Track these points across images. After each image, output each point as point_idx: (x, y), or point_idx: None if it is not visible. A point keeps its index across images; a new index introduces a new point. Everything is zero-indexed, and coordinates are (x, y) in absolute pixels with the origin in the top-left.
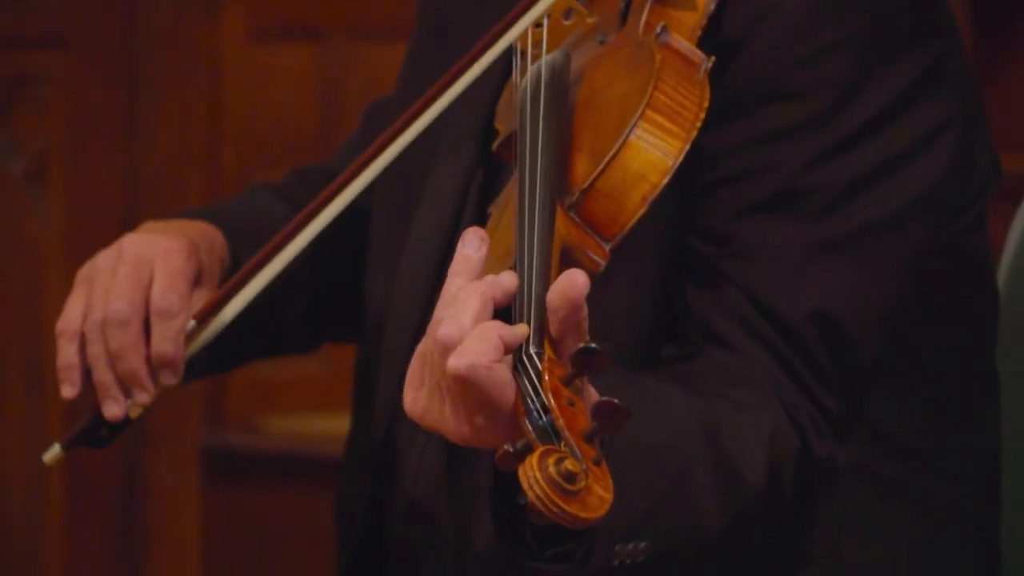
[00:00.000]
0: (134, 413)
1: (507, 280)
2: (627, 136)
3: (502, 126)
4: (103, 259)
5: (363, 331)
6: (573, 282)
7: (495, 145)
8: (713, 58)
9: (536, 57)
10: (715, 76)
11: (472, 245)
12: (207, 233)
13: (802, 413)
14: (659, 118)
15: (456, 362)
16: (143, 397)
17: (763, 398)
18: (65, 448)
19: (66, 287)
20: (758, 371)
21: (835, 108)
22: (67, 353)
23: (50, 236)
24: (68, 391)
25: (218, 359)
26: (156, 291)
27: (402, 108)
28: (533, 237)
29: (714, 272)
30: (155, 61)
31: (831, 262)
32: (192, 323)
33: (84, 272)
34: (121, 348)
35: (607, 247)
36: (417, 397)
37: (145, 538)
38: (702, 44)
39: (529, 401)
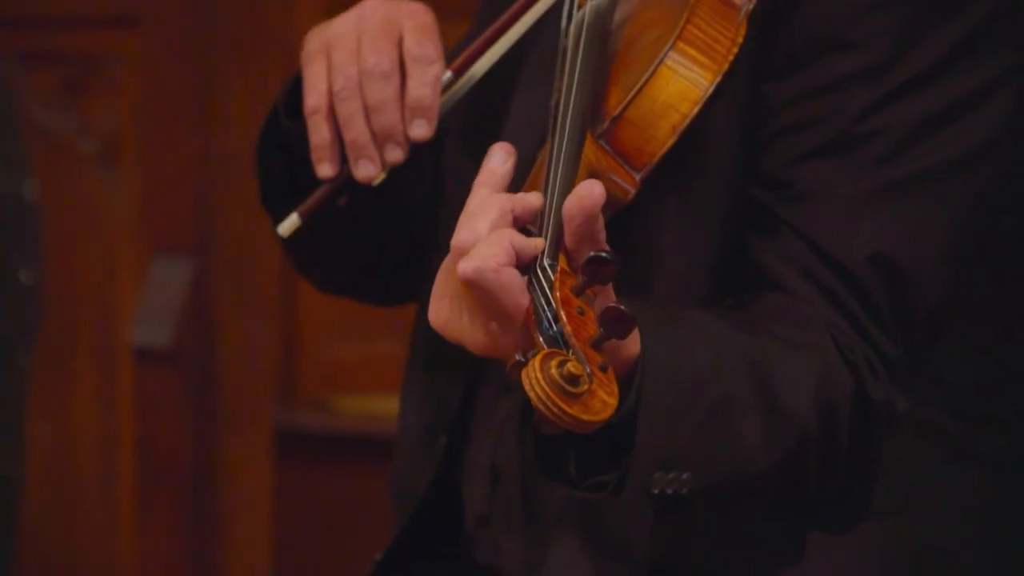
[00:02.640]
0: (379, 178)
1: (531, 197)
2: (657, 65)
3: None
4: (340, 25)
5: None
6: (590, 191)
7: None
8: (755, 1)
9: (583, 2)
10: (773, 27)
11: (498, 159)
12: None
13: (858, 355)
14: (690, 50)
15: (464, 265)
16: (397, 154)
17: (814, 338)
18: (303, 217)
19: (138, 268)
20: (812, 313)
21: (892, 57)
22: (323, 130)
23: (122, 217)
24: (327, 169)
25: (332, 231)
26: (410, 41)
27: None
28: (559, 160)
29: (772, 218)
30: (229, 40)
31: (889, 207)
32: (448, 74)
33: (315, 44)
34: (382, 101)
35: (637, 176)
36: (440, 307)
37: (217, 518)
38: None
39: (540, 311)
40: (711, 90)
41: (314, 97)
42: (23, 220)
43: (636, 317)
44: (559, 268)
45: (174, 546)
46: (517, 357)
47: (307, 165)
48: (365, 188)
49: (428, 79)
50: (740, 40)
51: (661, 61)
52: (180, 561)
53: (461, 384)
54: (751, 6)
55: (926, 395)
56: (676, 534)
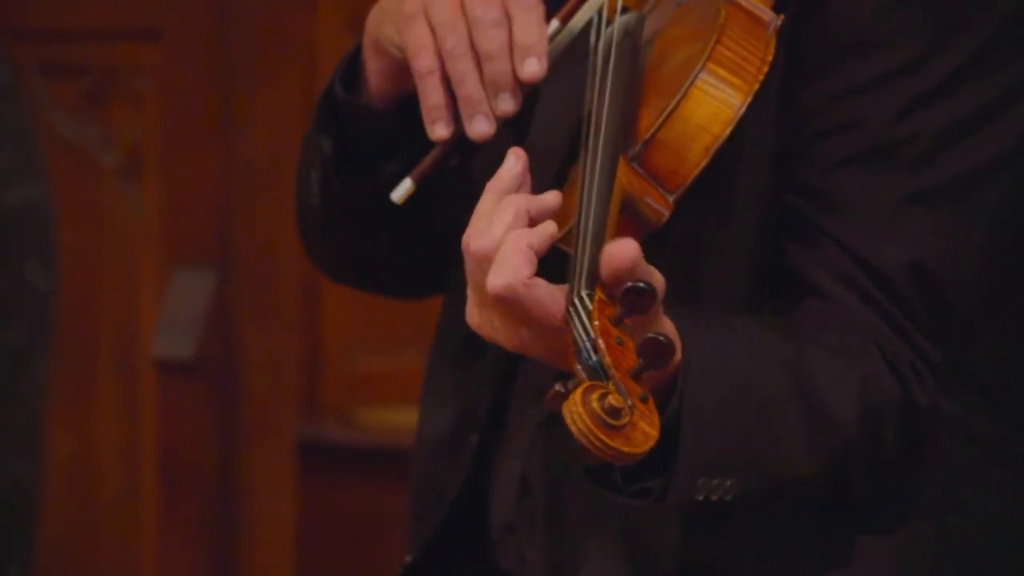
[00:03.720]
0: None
1: (547, 198)
2: (688, 87)
3: None
4: None
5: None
6: (621, 251)
7: None
8: (782, 16)
9: (612, 20)
10: (801, 31)
11: (508, 162)
12: None
13: (903, 362)
14: (721, 71)
15: (493, 283)
16: (509, 104)
17: (859, 345)
18: (416, 181)
19: (160, 280)
20: (855, 320)
21: (922, 57)
22: (438, 91)
23: (144, 229)
24: (443, 130)
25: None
26: None
27: None
28: (593, 184)
29: (811, 227)
30: (251, 53)
31: (926, 212)
32: (555, 23)
33: (409, 7)
34: (498, 47)
35: (670, 198)
36: (473, 311)
37: (240, 531)
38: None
39: (579, 341)
40: (743, 110)
41: (425, 59)
42: (38, 227)
43: (675, 345)
44: (596, 298)
45: (197, 559)
46: (557, 388)
47: (361, 142)
48: (475, 147)
49: (534, 20)
50: (769, 59)
51: (692, 83)
52: (203, 574)
53: (491, 387)
54: (779, 22)
55: (965, 399)
56: (708, 544)
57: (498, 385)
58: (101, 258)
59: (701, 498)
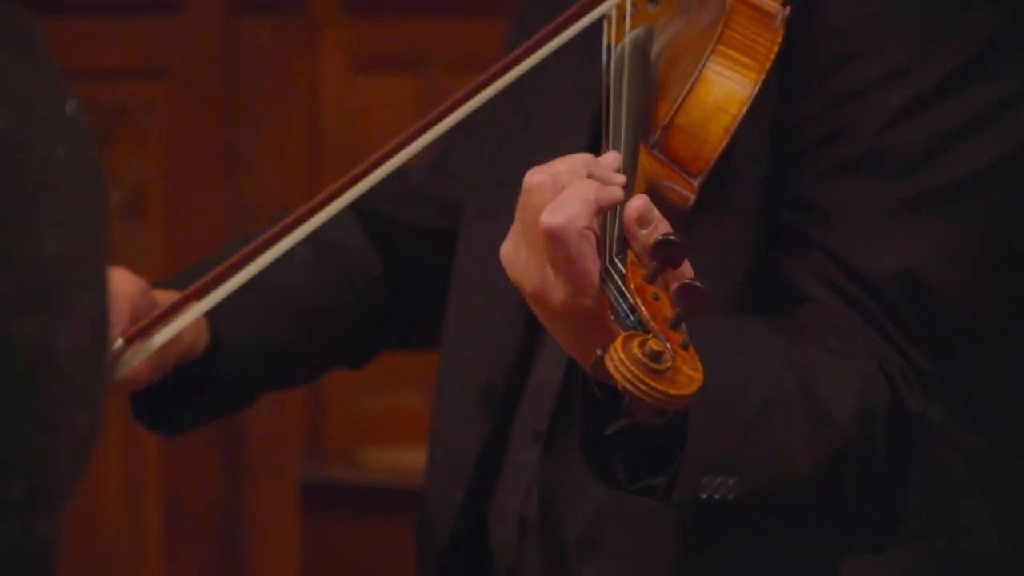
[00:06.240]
0: None
1: (609, 158)
2: (701, 70)
3: None
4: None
5: (466, 314)
6: (632, 203)
7: None
8: (789, 7)
9: (620, 39)
10: (794, 39)
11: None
12: None
13: (893, 366)
14: (732, 52)
15: (549, 218)
16: None
17: (853, 346)
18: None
19: None
20: (848, 324)
21: (912, 65)
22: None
23: (147, 268)
24: None
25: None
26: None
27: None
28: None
29: (800, 238)
30: (255, 92)
31: (914, 221)
32: (120, 341)
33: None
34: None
35: (695, 182)
36: (509, 242)
37: (244, 570)
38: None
39: (617, 304)
40: (757, 89)
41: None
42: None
43: (706, 290)
44: (629, 260)
45: None
46: (597, 352)
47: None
48: None
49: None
50: (779, 40)
51: (704, 65)
52: None
53: (488, 427)
54: (786, 12)
55: (953, 410)
56: (706, 563)
57: (496, 429)
58: None
59: (705, 496)
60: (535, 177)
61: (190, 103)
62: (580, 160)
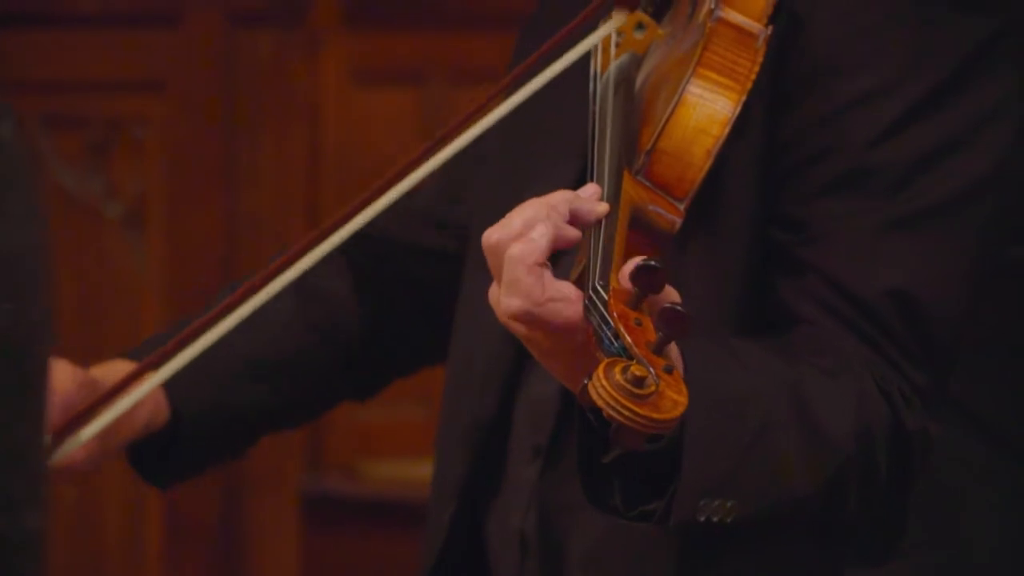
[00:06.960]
0: None
1: (588, 189)
2: (681, 94)
3: None
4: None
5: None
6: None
7: None
8: (771, 27)
9: (606, 68)
10: (781, 57)
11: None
12: None
13: (891, 385)
14: (711, 74)
15: (508, 306)
16: None
17: (849, 366)
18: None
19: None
20: (843, 345)
21: (895, 81)
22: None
23: (148, 280)
24: None
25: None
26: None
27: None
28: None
29: (792, 259)
30: (254, 104)
31: (904, 239)
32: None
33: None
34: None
35: (680, 206)
36: (493, 289)
37: None
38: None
39: (600, 331)
40: (739, 110)
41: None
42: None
43: (690, 316)
44: (611, 287)
45: None
46: (583, 381)
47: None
48: None
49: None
50: (760, 60)
51: (684, 88)
52: None
53: (478, 444)
54: (768, 32)
55: (953, 423)
56: None
57: (497, 446)
58: (104, 308)
59: (703, 519)
60: (492, 236)
61: (190, 115)
62: (558, 197)
